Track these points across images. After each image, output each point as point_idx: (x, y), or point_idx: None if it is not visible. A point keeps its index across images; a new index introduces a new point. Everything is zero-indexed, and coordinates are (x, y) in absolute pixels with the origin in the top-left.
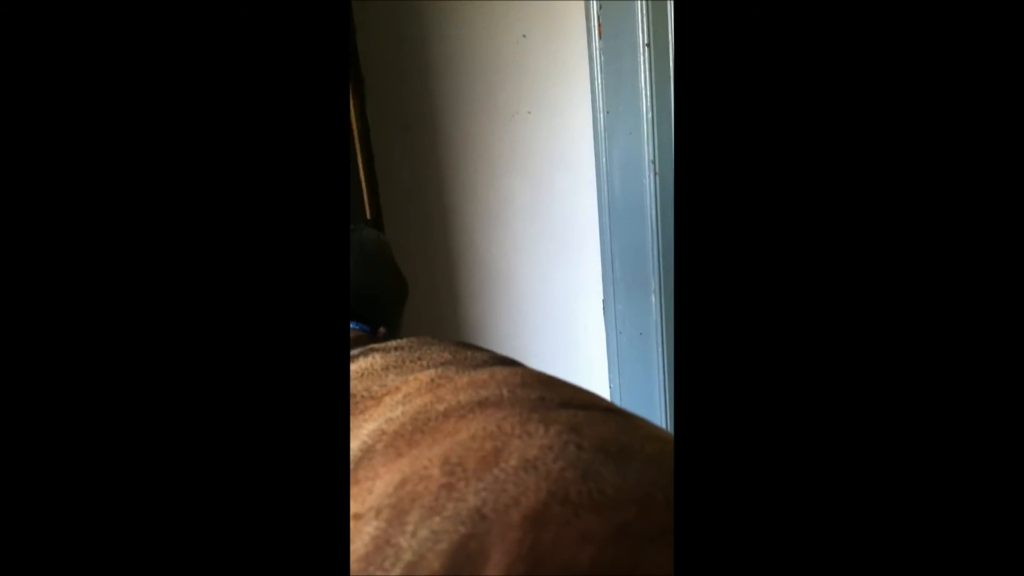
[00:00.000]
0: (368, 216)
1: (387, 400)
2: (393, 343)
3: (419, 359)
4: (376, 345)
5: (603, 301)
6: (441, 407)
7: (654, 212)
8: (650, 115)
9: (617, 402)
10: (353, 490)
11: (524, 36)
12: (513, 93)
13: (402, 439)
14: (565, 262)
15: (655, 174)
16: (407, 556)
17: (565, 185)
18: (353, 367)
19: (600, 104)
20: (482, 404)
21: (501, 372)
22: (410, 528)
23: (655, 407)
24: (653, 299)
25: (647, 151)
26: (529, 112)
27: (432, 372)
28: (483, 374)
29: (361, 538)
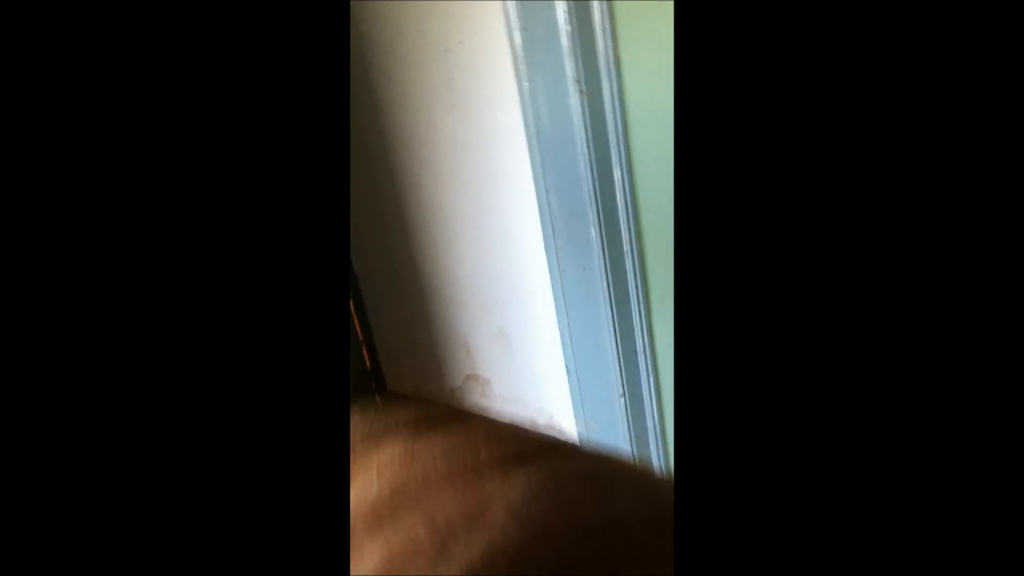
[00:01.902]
0: None
1: None
2: None
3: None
4: None
5: (543, 238)
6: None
7: (585, 138)
8: (568, 28)
9: (567, 343)
10: None
11: None
12: (444, 22)
13: None
14: (506, 200)
15: (581, 93)
16: None
17: (508, 118)
18: None
19: (514, 20)
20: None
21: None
22: None
23: (605, 345)
24: (592, 232)
25: (569, 68)
26: (461, 42)
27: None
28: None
29: None
